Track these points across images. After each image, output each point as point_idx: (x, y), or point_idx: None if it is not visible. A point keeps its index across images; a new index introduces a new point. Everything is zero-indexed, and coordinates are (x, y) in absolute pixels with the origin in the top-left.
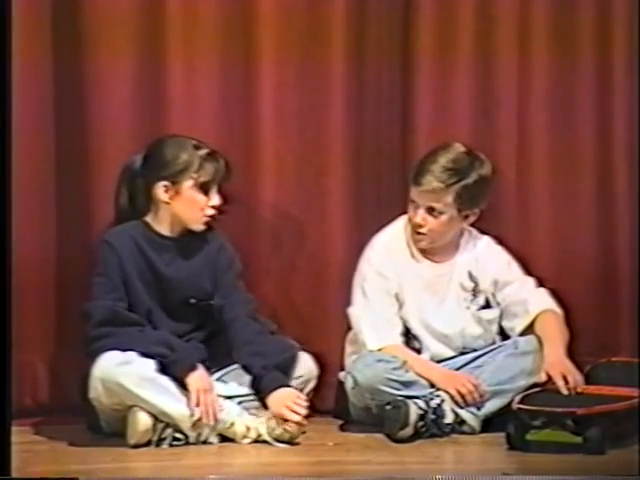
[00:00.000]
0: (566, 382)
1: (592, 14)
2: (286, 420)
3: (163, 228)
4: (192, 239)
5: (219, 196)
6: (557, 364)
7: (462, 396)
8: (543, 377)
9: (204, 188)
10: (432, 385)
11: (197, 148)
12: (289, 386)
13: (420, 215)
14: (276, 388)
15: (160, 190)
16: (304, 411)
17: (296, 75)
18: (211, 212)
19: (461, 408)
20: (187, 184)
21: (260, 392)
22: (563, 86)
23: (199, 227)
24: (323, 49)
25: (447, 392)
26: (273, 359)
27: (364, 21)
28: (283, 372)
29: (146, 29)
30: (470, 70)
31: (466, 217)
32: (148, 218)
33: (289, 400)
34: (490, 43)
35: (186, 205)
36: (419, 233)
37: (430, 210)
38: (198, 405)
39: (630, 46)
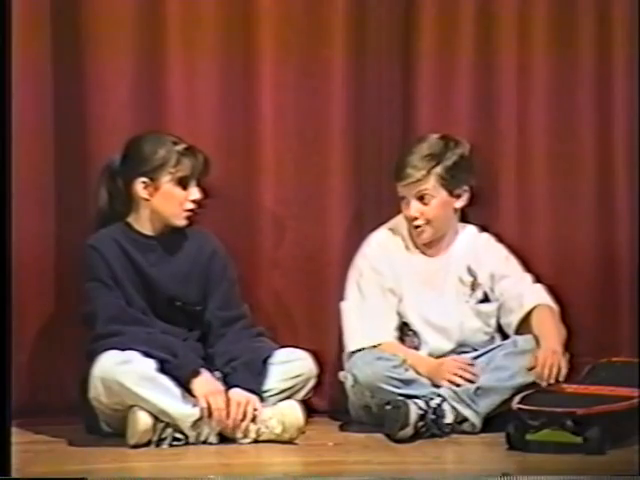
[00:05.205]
0: (549, 375)
1: (592, 14)
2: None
3: (145, 227)
4: (177, 238)
5: (198, 190)
6: (544, 352)
7: (455, 381)
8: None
9: (182, 183)
10: (433, 384)
11: (175, 144)
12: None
13: (413, 207)
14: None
15: (139, 187)
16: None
17: (296, 75)
18: (191, 206)
19: (461, 402)
20: (165, 179)
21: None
22: (563, 86)
23: (180, 222)
24: (323, 49)
25: (440, 385)
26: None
27: (364, 21)
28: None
29: (146, 29)
30: (470, 70)
31: (458, 196)
32: (130, 219)
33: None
34: (490, 43)
35: (165, 200)
36: (417, 226)
37: (420, 199)
38: (210, 412)
39: (630, 46)
